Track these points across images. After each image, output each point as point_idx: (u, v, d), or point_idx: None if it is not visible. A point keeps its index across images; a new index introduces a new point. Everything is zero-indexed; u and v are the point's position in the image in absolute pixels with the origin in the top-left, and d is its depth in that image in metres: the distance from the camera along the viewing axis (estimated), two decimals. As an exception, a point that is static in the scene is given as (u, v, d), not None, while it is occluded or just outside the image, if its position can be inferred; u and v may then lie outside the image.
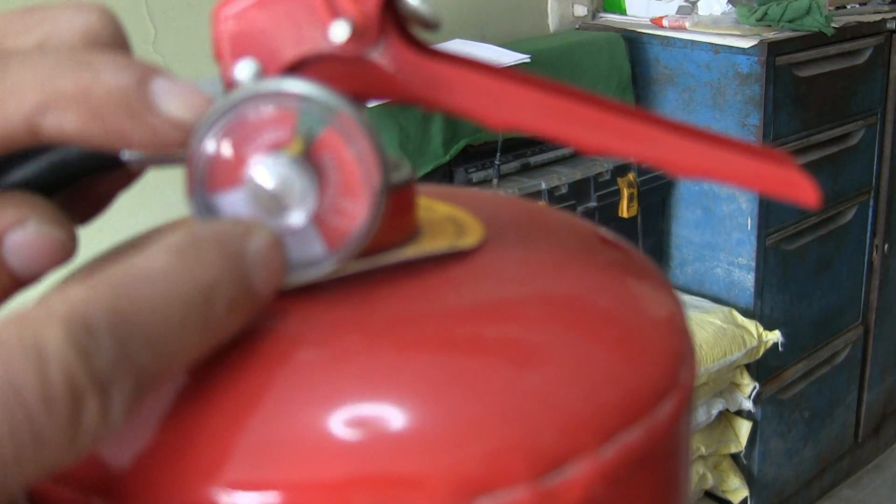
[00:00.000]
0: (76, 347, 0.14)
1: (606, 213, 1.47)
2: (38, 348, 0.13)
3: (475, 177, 1.37)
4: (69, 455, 0.14)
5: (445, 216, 0.23)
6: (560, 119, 0.20)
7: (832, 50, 1.61)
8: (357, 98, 0.19)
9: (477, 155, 1.38)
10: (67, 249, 0.18)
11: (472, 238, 0.22)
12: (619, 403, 0.19)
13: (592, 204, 1.47)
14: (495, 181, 1.38)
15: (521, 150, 1.43)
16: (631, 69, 1.56)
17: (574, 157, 1.52)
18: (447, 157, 1.31)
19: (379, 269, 0.21)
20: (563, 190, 1.43)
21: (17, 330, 0.14)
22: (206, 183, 0.19)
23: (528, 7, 1.64)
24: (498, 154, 1.38)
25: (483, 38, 1.51)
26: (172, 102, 0.18)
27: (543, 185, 1.40)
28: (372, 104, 0.21)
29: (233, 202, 0.19)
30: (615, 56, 1.54)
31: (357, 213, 0.19)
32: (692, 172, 0.20)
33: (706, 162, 0.20)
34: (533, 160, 1.46)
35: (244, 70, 0.19)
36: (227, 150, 0.19)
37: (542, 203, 0.27)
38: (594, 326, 0.21)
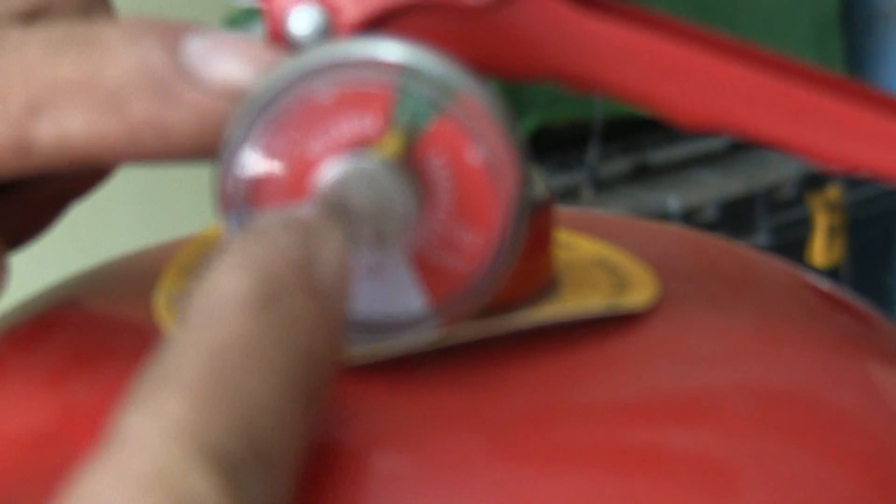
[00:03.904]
0: (234, 494, 0.17)
1: (786, 256, 1.48)
2: None
3: (552, 183, 1.37)
4: None
5: (595, 258, 0.26)
6: (795, 116, 0.23)
7: None
8: (477, 71, 0.22)
9: (556, 145, 1.38)
10: None
11: (640, 294, 0.25)
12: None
13: (761, 239, 1.48)
14: (588, 192, 1.38)
15: (633, 138, 1.44)
16: None
17: (727, 156, 1.51)
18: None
19: (503, 336, 0.24)
20: (710, 213, 1.43)
21: (162, 498, 0.17)
22: (251, 194, 0.22)
23: None
24: (594, 145, 1.38)
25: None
26: (223, 64, 0.21)
27: (674, 205, 1.40)
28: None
29: None
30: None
31: (479, 248, 0.22)
32: None
33: None
34: (654, 158, 1.46)
35: (304, 23, 0.23)
36: (284, 147, 0.22)
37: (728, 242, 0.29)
38: (829, 437, 0.24)
